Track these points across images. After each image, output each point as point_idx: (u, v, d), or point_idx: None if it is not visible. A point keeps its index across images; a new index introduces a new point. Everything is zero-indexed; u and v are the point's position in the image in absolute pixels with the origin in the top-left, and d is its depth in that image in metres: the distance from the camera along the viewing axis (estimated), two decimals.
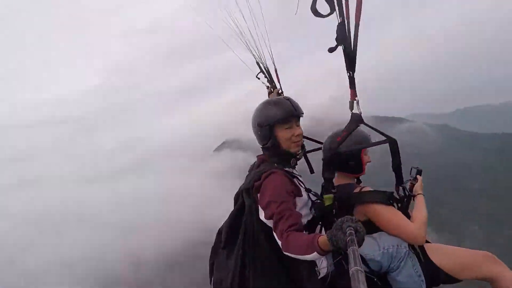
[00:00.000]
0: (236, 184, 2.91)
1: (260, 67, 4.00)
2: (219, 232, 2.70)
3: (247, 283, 2.32)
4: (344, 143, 2.46)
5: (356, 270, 1.29)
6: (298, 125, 2.56)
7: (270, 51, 3.78)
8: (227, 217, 2.62)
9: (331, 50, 2.12)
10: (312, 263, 2.25)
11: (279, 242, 2.12)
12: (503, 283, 2.31)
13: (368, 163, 2.77)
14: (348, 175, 2.77)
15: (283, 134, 2.50)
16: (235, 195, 2.65)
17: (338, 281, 2.27)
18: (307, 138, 2.92)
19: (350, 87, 2.19)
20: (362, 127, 2.41)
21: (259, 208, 2.34)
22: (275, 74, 3.91)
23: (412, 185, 2.66)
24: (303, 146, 2.74)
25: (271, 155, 2.57)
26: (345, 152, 2.58)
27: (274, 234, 2.17)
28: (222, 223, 2.69)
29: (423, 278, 2.33)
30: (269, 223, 2.25)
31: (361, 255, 2.34)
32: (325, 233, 2.21)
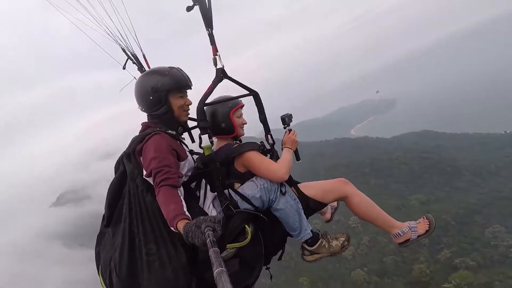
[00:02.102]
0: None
1: (126, 53, 3.87)
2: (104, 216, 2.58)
3: (138, 252, 2.26)
4: (215, 109, 2.72)
5: (220, 271, 1.33)
6: (187, 96, 2.66)
7: (135, 36, 3.69)
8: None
9: (189, 8, 2.33)
10: (205, 213, 2.42)
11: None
12: (354, 198, 2.92)
13: (244, 125, 2.97)
14: (223, 137, 2.96)
15: (177, 102, 2.56)
16: (116, 163, 2.56)
17: (227, 224, 2.47)
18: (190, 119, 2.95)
19: (211, 44, 2.43)
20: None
21: (143, 169, 2.33)
22: (143, 60, 3.85)
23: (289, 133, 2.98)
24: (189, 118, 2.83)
25: (160, 121, 2.58)
26: (214, 115, 2.80)
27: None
28: None
29: (298, 200, 2.77)
30: (151, 180, 2.26)
31: (244, 196, 2.63)
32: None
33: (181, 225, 1.87)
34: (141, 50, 3.82)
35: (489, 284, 47.56)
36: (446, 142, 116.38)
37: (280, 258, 3.06)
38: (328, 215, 3.44)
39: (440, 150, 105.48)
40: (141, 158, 2.38)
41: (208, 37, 2.42)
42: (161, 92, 2.49)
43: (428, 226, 2.96)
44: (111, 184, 2.47)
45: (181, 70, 2.60)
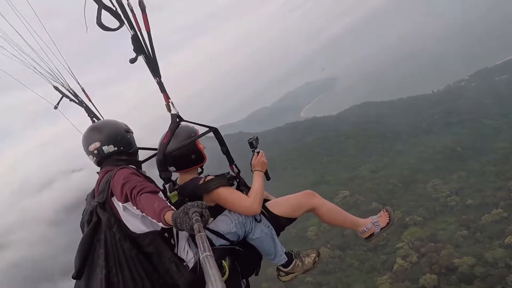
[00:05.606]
0: None
1: (61, 92, 3.61)
2: None
3: None
4: (176, 142, 2.64)
5: (205, 256, 1.33)
6: None
7: (70, 70, 3.45)
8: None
9: (132, 61, 2.24)
10: (180, 259, 2.40)
11: (137, 211, 2.20)
12: (322, 209, 3.07)
13: (204, 149, 2.94)
14: (189, 170, 2.90)
15: None
16: (88, 215, 2.43)
17: None
18: (142, 148, 2.96)
19: (161, 92, 2.38)
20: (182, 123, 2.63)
21: (118, 208, 2.32)
22: (84, 95, 3.63)
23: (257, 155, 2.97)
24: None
25: (125, 163, 2.58)
26: (181, 150, 2.74)
27: (134, 207, 2.22)
28: None
29: (271, 227, 2.86)
30: (129, 206, 2.26)
31: (219, 233, 2.64)
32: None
33: (169, 215, 1.91)
34: (79, 85, 3.61)
35: (434, 234, 53.45)
36: (385, 110, 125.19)
37: (257, 274, 3.10)
38: None
39: (381, 119, 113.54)
40: (114, 202, 2.34)
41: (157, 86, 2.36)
42: (132, 133, 2.70)
43: (388, 218, 3.24)
44: (84, 236, 2.37)
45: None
